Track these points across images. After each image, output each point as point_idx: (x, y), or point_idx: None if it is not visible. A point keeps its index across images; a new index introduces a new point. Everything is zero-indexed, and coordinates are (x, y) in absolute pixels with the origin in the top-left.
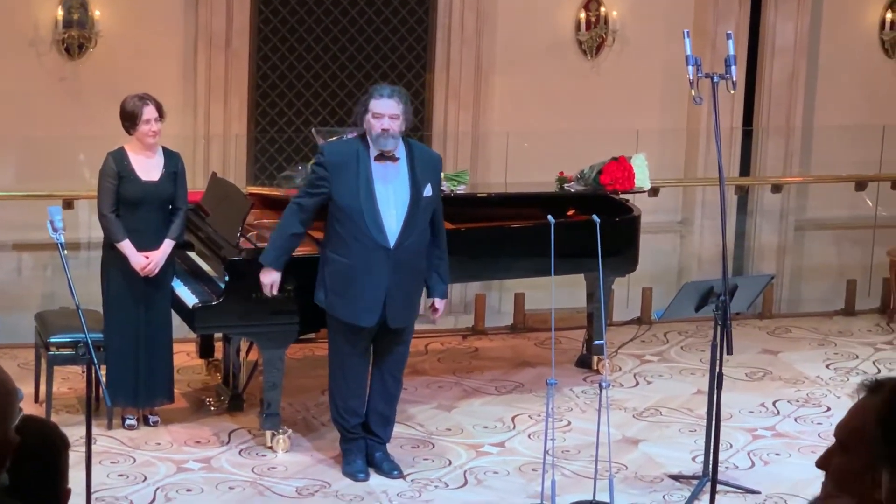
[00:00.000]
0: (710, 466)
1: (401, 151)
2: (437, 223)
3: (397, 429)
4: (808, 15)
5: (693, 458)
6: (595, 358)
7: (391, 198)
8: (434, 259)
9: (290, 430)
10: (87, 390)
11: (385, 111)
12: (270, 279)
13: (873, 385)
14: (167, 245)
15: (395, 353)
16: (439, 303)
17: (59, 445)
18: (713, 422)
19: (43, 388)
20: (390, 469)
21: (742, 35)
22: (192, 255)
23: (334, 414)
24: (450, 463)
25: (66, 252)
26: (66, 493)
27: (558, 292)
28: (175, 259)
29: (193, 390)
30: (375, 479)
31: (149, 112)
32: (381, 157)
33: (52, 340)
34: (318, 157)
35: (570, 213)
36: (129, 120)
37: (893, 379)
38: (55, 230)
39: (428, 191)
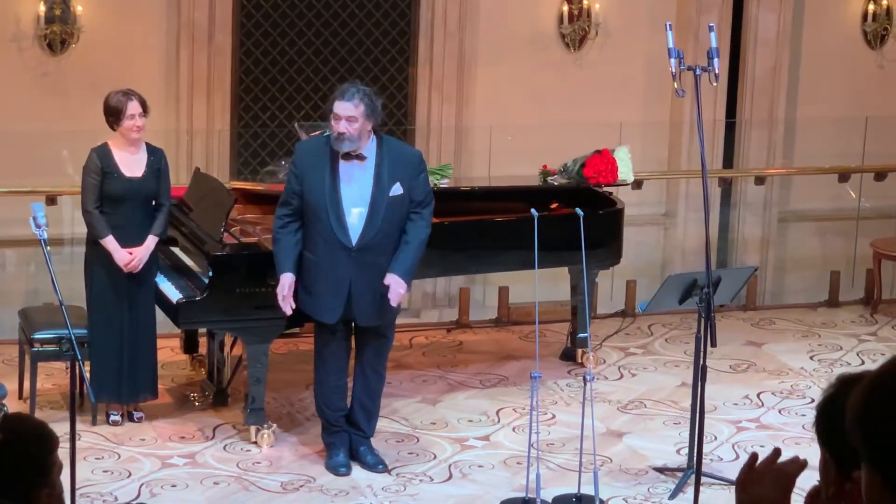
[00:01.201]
0: (695, 459)
1: (370, 150)
2: (421, 213)
3: (381, 423)
4: (791, 7)
5: (677, 451)
6: (579, 351)
7: (355, 196)
8: (401, 243)
9: (274, 425)
10: (71, 386)
11: (342, 113)
12: (283, 282)
13: (845, 381)
14: (150, 241)
15: (375, 347)
16: (392, 281)
17: (48, 444)
18: (697, 414)
19: (27, 384)
20: (375, 463)
21: (725, 27)
22: (176, 250)
23: (316, 405)
24: (434, 457)
25: (49, 248)
26: (56, 492)
27: (542, 285)
28: (158, 255)
29: (178, 386)
30: (360, 473)
31: (132, 107)
32: (348, 155)
33: (36, 337)
34: (293, 156)
35: (554, 206)
36: (113, 115)
37: (870, 373)
38: (38, 226)
39: (396, 189)
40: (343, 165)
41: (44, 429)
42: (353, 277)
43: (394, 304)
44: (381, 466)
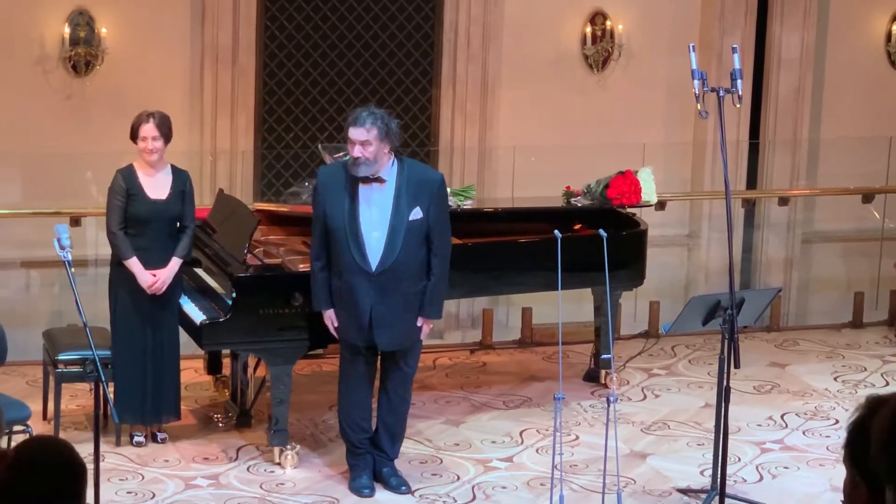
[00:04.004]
0: (719, 480)
1: (390, 172)
2: (434, 243)
3: (405, 444)
4: (814, 27)
5: (701, 472)
6: (603, 372)
7: (375, 220)
8: (429, 280)
9: (298, 446)
10: (95, 407)
11: (356, 138)
12: (327, 319)
13: (873, 402)
14: (174, 263)
15: (398, 371)
16: (422, 322)
17: (77, 470)
18: (721, 435)
19: (51, 405)
20: (398, 484)
21: (748, 48)
22: (200, 271)
23: (340, 426)
24: (458, 478)
25: (73, 270)
26: None
27: (566, 307)
28: (182, 276)
29: (201, 407)
30: (383, 495)
31: (145, 130)
32: (367, 178)
33: (61, 358)
34: (315, 181)
35: (577, 227)
36: (131, 134)
37: (894, 396)
38: (62, 248)
39: (416, 213)
40: (363, 189)
41: (76, 457)
42: (374, 302)
43: (422, 337)
44: (404, 488)
